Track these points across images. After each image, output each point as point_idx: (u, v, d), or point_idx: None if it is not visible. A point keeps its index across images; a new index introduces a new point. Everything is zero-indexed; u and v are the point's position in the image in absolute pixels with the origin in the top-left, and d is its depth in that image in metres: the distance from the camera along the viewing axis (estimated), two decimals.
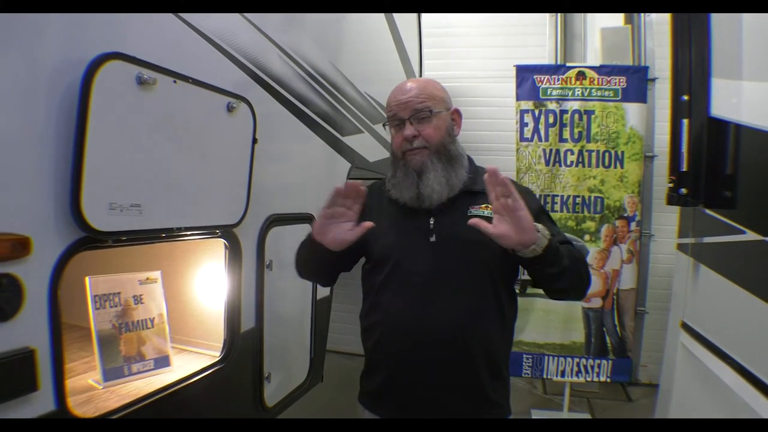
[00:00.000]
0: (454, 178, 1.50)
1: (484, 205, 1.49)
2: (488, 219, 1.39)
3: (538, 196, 3.87)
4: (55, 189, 1.19)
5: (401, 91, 1.54)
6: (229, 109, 1.67)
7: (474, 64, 5.01)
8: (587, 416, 4.13)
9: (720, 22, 1.63)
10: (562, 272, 1.39)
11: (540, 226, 1.34)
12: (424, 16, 4.62)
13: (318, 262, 1.57)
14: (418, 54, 4.47)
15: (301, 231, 2.34)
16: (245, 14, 1.83)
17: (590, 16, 4.75)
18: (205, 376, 1.77)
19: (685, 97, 1.62)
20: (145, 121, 1.36)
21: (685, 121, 1.61)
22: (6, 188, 1.10)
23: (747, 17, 1.54)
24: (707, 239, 1.59)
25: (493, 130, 4.85)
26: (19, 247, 1.12)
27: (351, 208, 1.41)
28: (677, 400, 1.89)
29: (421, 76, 4.43)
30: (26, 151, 1.13)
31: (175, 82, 1.43)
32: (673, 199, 1.61)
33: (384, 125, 1.62)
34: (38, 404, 1.19)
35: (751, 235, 1.31)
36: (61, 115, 1.18)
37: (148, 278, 1.88)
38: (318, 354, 2.53)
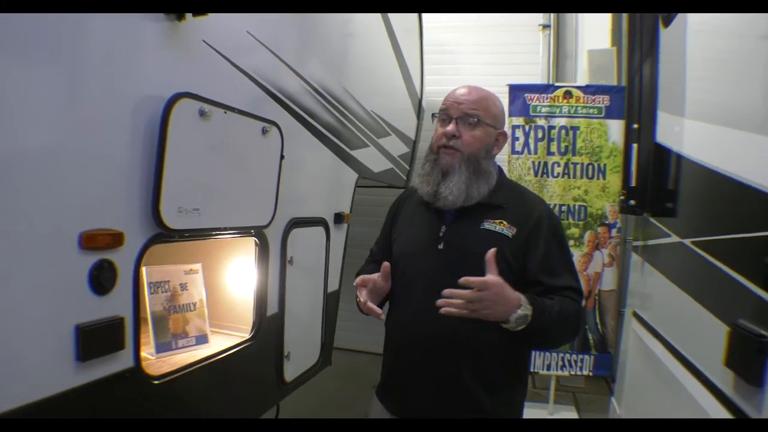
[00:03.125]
0: (474, 190, 1.54)
1: (498, 221, 1.54)
2: (500, 235, 1.51)
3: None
4: (141, 196, 1.57)
5: (462, 93, 1.59)
6: (264, 132, 2.06)
7: (471, 80, 5.37)
8: (572, 408, 4.49)
9: (667, 62, 2.02)
10: (544, 341, 1.52)
11: (524, 300, 1.39)
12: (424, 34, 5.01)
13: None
14: (419, 71, 4.85)
15: (315, 233, 2.73)
16: (274, 51, 2.22)
17: (581, 37, 5.15)
18: (237, 351, 2.15)
19: (635, 126, 2.01)
20: (203, 144, 1.75)
21: (635, 145, 1.99)
22: (107, 196, 1.48)
23: (691, 62, 1.92)
24: (650, 242, 1.98)
25: None
26: (116, 240, 1.50)
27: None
28: (629, 373, 2.26)
29: (422, 90, 4.81)
30: (120, 168, 1.52)
31: (225, 112, 1.82)
32: (624, 208, 1.99)
33: (432, 116, 1.67)
34: (122, 361, 1.57)
35: (674, 238, 1.70)
36: (145, 140, 1.57)
37: (191, 269, 2.27)
38: (327, 339, 2.91)
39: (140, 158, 1.56)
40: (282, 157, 2.19)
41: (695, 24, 1.74)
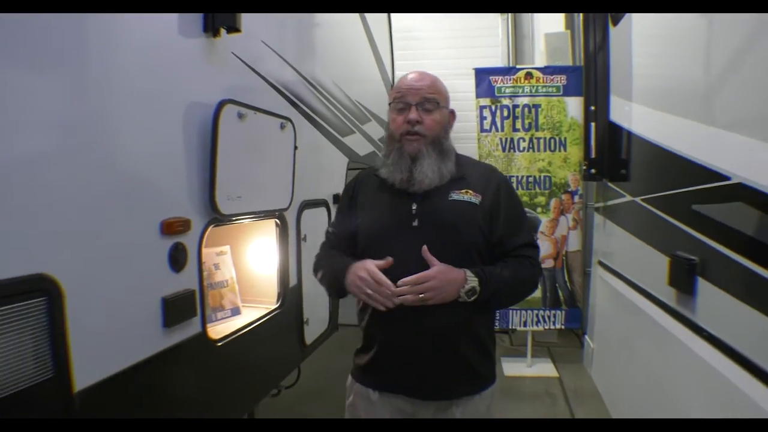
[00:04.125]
0: (444, 169, 1.62)
1: (464, 190, 1.63)
2: (468, 203, 1.61)
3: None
4: (199, 187, 1.92)
5: (415, 79, 1.66)
6: (281, 127, 2.41)
7: (436, 63, 5.78)
8: (548, 360, 4.99)
9: (616, 52, 2.44)
10: (500, 302, 1.64)
11: (469, 273, 1.52)
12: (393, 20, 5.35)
13: (335, 288, 1.70)
14: (390, 56, 5.20)
15: (320, 213, 3.10)
16: (280, 54, 2.55)
17: (536, 19, 5.59)
18: (269, 318, 2.52)
19: (593, 108, 2.45)
20: (241, 141, 2.10)
21: (593, 124, 2.43)
22: (175, 188, 1.83)
23: (637, 52, 2.35)
24: (610, 202, 2.42)
25: (457, 121, 5.66)
26: (186, 225, 1.85)
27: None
28: (598, 311, 2.73)
29: (393, 76, 5.17)
30: (181, 164, 1.86)
31: (254, 113, 2.17)
32: (586, 176, 2.42)
33: (389, 104, 1.70)
34: (193, 327, 1.93)
35: (627, 198, 2.14)
36: (197, 140, 1.91)
37: (221, 251, 2.62)
38: (334, 308, 3.30)
39: (195, 155, 1.91)
40: (295, 147, 2.55)
41: (639, 23, 2.17)
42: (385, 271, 1.56)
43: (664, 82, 1.83)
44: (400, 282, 1.50)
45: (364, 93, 4.10)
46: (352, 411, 1.77)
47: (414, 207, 1.62)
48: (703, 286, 1.42)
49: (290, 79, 2.66)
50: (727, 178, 1.26)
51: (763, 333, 1.17)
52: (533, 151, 4.65)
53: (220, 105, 1.94)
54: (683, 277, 1.50)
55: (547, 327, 4.80)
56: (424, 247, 1.52)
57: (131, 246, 1.64)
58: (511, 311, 4.78)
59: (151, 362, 1.71)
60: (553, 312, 4.76)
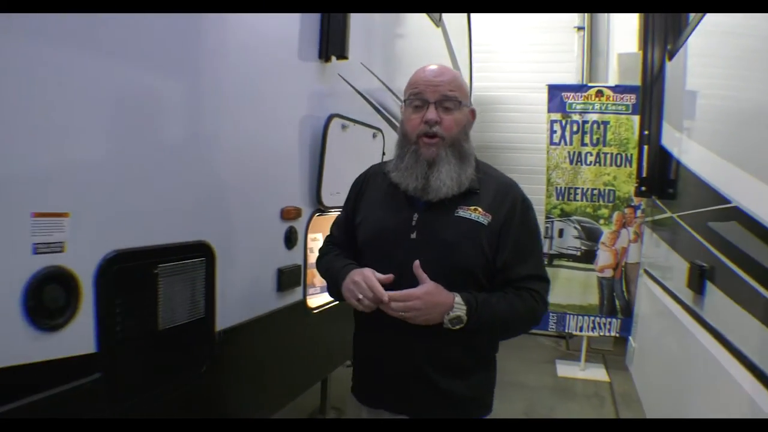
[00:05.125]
0: (463, 176, 1.50)
1: (473, 208, 1.51)
2: (475, 223, 1.49)
3: (561, 189, 5.05)
4: (308, 183, 2.43)
5: (433, 73, 1.52)
6: (374, 136, 2.91)
7: (512, 76, 6.17)
8: (601, 366, 5.26)
9: (670, 85, 2.78)
10: (491, 334, 1.56)
11: (458, 300, 1.42)
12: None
13: (332, 291, 1.69)
14: (469, 66, 5.59)
15: None
16: (374, 72, 3.03)
17: (612, 37, 5.86)
18: None
19: (646, 132, 2.80)
20: (342, 147, 2.60)
21: (646, 147, 2.78)
22: (291, 183, 2.34)
23: (687, 90, 2.68)
24: (656, 217, 2.76)
25: (527, 132, 6.02)
26: (298, 213, 2.37)
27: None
28: (640, 314, 3.07)
29: (471, 86, 5.56)
30: (296, 164, 2.37)
31: (354, 125, 2.67)
32: (637, 192, 2.78)
33: (404, 100, 1.58)
34: (297, 295, 2.44)
35: (668, 214, 2.49)
36: (309, 145, 2.42)
37: (314, 238, 3.14)
38: None
39: (307, 157, 2.42)
40: (383, 153, 3.04)
41: (694, 56, 2.51)
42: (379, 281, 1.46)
43: (700, 118, 2.19)
44: (389, 295, 1.42)
45: None
46: None
47: (415, 218, 1.52)
48: (710, 288, 1.79)
49: (381, 94, 3.15)
50: (729, 201, 1.63)
51: (748, 327, 1.53)
52: (600, 165, 4.96)
53: (329, 118, 2.45)
54: (696, 280, 1.87)
55: (602, 333, 5.09)
56: (416, 263, 1.43)
57: (260, 225, 2.16)
58: (568, 315, 5.11)
59: (267, 317, 2.23)
60: (608, 320, 5.05)
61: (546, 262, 5.02)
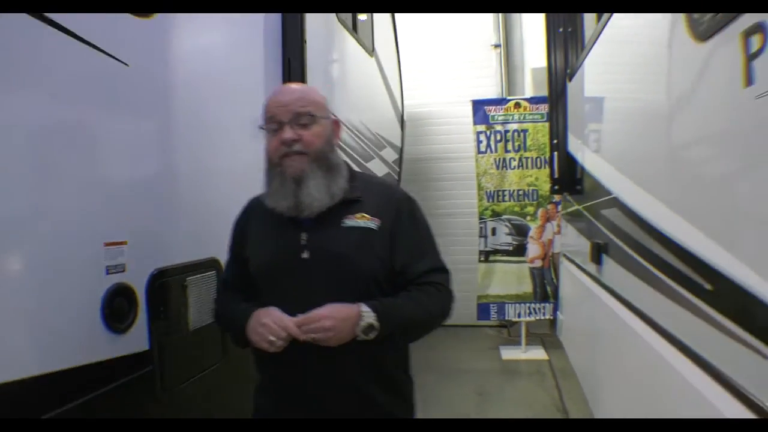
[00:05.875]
0: (334, 187, 1.50)
1: (359, 215, 1.51)
2: (364, 229, 1.49)
3: (490, 192, 5.69)
4: None
5: (282, 93, 1.53)
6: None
7: (438, 92, 6.80)
8: (540, 347, 5.90)
9: (572, 101, 3.42)
10: (407, 335, 1.55)
11: (364, 309, 1.39)
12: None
13: (235, 339, 1.62)
14: (399, 87, 6.15)
15: None
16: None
17: (526, 53, 6.61)
18: None
19: (555, 141, 3.44)
20: None
21: (555, 153, 3.42)
22: None
23: (586, 104, 3.34)
24: (568, 210, 3.41)
25: (456, 143, 6.64)
26: None
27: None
28: (562, 289, 3.74)
29: (403, 104, 6.14)
30: None
31: None
32: (552, 190, 3.42)
33: (260, 128, 1.56)
34: None
35: (575, 206, 3.13)
36: None
37: None
38: None
39: None
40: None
41: (590, 74, 3.15)
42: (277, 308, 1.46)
43: (591, 128, 2.83)
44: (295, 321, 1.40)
45: (380, 123, 5.09)
46: None
47: (304, 237, 1.51)
48: (605, 258, 2.40)
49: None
50: (611, 194, 2.24)
51: (631, 283, 2.12)
52: (523, 168, 5.66)
53: None
54: (596, 254, 2.48)
55: (537, 317, 5.75)
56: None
57: None
58: (507, 305, 5.75)
59: None
60: (542, 305, 5.72)
61: (483, 259, 5.71)
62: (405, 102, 6.21)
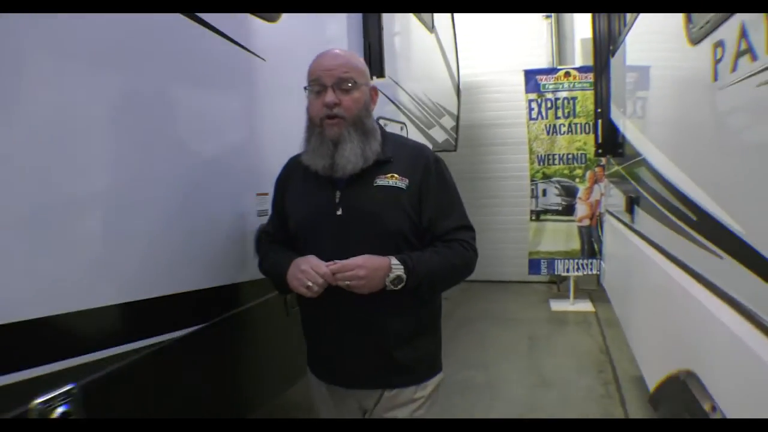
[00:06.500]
0: (368, 150, 1.59)
1: (390, 174, 1.60)
2: (394, 188, 1.59)
3: (541, 156, 6.19)
4: None
5: (327, 58, 1.61)
6: (401, 129, 4.00)
7: (491, 62, 7.24)
8: (588, 301, 6.42)
9: (614, 77, 3.90)
10: (432, 288, 1.63)
11: (394, 261, 1.52)
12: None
13: (276, 283, 1.76)
14: (455, 57, 6.61)
15: None
16: (396, 81, 4.12)
17: (576, 23, 6.97)
18: None
19: (599, 109, 3.94)
20: None
21: (600, 120, 3.93)
22: None
23: (627, 77, 3.81)
24: (610, 170, 3.95)
25: (509, 110, 7.09)
26: None
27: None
28: (605, 241, 4.30)
29: (459, 74, 6.61)
30: None
31: (389, 122, 3.76)
32: (596, 154, 3.95)
33: (305, 89, 1.66)
34: None
35: (616, 167, 3.66)
36: None
37: None
38: None
39: None
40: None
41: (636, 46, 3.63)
42: None
43: (628, 99, 3.34)
44: (330, 268, 1.52)
45: (439, 93, 5.61)
46: (314, 403, 1.87)
47: (338, 195, 1.62)
48: (636, 209, 2.95)
49: (402, 95, 4.24)
50: (641, 155, 2.77)
51: (656, 227, 2.64)
52: (572, 134, 6.14)
53: (377, 119, 3.54)
54: (629, 205, 3.03)
55: (585, 272, 6.27)
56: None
57: None
58: (556, 261, 6.29)
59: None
60: (589, 261, 6.23)
61: (534, 218, 6.25)
62: (461, 72, 6.70)
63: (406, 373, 1.68)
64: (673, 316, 2.14)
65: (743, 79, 1.35)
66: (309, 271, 1.52)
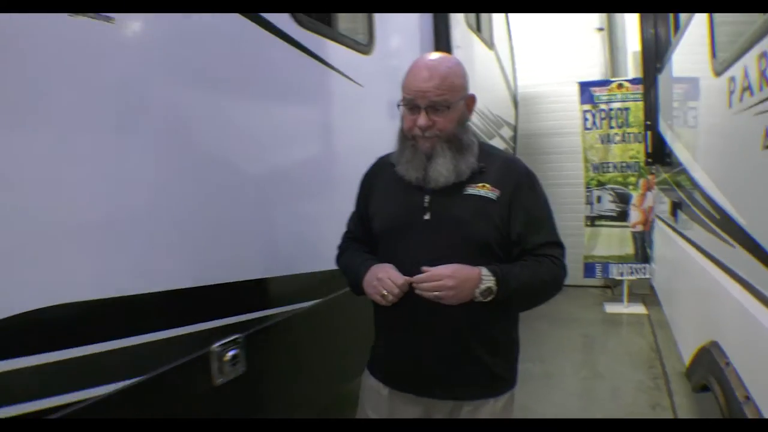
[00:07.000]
0: (462, 166, 1.57)
1: (481, 184, 1.58)
2: (485, 198, 1.57)
3: (596, 164, 6.54)
4: None
5: (422, 79, 1.55)
6: None
7: (547, 74, 7.51)
8: (641, 305, 6.61)
9: (662, 89, 4.29)
10: (520, 304, 1.65)
11: (485, 272, 1.50)
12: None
13: (353, 286, 1.75)
14: (512, 70, 6.98)
15: None
16: None
17: (626, 36, 7.27)
18: None
19: (649, 122, 4.33)
20: None
21: (649, 132, 4.32)
22: None
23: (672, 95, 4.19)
24: (659, 178, 4.31)
25: (564, 120, 7.33)
26: None
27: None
28: (656, 246, 4.68)
29: (516, 86, 6.98)
30: None
31: None
32: (646, 163, 4.35)
33: (398, 105, 1.64)
34: None
35: (662, 175, 4.03)
36: None
37: None
38: None
39: None
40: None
41: (678, 67, 4.01)
42: (395, 265, 1.58)
43: (674, 115, 3.74)
44: (414, 279, 1.51)
45: (498, 105, 5.99)
46: (361, 405, 1.82)
47: (426, 200, 1.61)
48: (679, 213, 3.33)
49: None
50: (681, 165, 3.17)
51: (695, 228, 3.02)
52: (625, 143, 6.46)
53: None
54: (673, 209, 3.42)
55: (638, 276, 6.55)
56: (424, 268, 1.51)
57: None
58: (610, 265, 6.59)
59: None
60: (642, 265, 6.50)
61: (589, 223, 6.59)
62: (518, 83, 7.09)
63: (493, 381, 1.67)
64: (703, 298, 2.56)
65: (746, 109, 1.79)
66: (386, 281, 1.54)
